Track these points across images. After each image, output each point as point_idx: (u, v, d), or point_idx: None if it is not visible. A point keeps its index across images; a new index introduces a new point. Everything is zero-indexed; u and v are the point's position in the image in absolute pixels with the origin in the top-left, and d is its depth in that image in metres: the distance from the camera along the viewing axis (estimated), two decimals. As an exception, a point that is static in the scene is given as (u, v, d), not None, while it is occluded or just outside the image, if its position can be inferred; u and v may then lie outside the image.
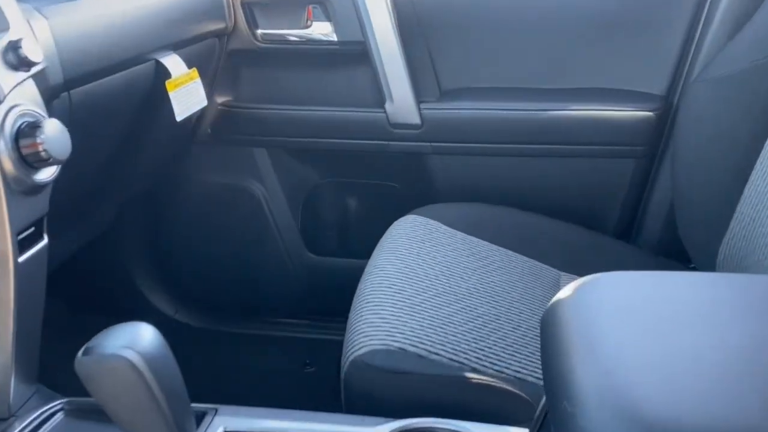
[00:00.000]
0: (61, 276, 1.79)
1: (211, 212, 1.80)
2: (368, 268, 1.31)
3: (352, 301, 1.24)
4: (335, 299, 1.84)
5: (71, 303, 1.87)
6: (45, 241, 0.95)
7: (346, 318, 1.19)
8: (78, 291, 1.89)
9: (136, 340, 0.65)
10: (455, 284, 1.21)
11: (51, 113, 0.99)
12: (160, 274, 1.88)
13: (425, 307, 1.12)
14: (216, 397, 0.99)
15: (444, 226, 1.42)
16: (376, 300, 1.16)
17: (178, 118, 1.30)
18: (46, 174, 0.89)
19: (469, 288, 1.20)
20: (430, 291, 1.18)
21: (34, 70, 0.85)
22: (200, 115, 1.64)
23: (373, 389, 1.03)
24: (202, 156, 1.74)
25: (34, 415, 0.94)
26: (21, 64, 0.82)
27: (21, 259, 0.89)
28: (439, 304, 1.14)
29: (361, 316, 1.13)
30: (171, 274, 1.89)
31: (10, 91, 0.82)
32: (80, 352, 0.62)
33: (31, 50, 0.83)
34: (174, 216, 1.82)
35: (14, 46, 0.82)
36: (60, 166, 0.90)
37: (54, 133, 0.85)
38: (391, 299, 1.15)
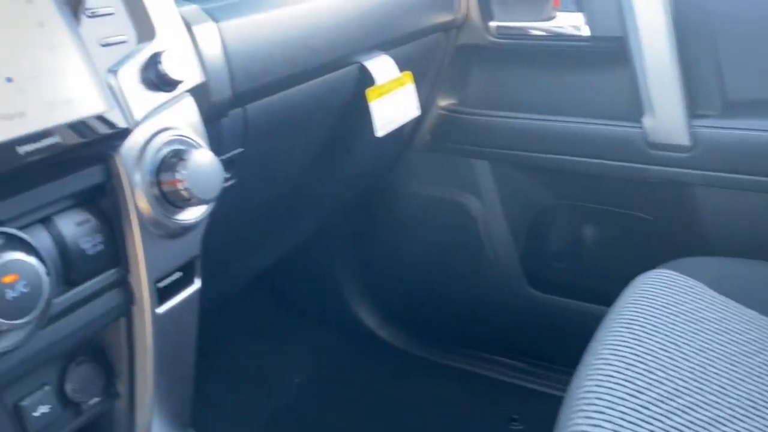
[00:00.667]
0: (271, 274, 1.75)
1: (421, 226, 1.60)
2: (603, 333, 1.00)
3: (580, 363, 0.94)
4: (556, 346, 1.55)
5: (279, 302, 1.83)
6: (196, 286, 0.80)
7: (568, 371, 0.92)
8: (287, 292, 1.83)
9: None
10: (721, 391, 0.85)
11: (219, 133, 0.84)
12: (365, 285, 1.74)
13: (672, 424, 0.79)
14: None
15: (712, 292, 1.04)
16: (607, 386, 0.85)
17: (378, 133, 1.09)
18: (192, 215, 0.73)
19: (742, 399, 0.83)
20: (683, 397, 0.84)
21: (179, 90, 0.69)
22: (419, 118, 1.43)
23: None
24: (417, 164, 1.54)
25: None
26: (162, 83, 0.66)
27: (160, 310, 0.75)
28: (694, 423, 0.80)
29: (587, 393, 0.84)
30: (376, 287, 1.74)
31: (145, 118, 0.66)
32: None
33: (175, 66, 0.66)
34: (382, 227, 1.65)
35: (155, 61, 0.66)
36: (211, 205, 0.74)
37: (199, 168, 0.69)
38: (627, 394, 0.83)
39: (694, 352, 0.90)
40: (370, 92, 1.08)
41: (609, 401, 0.82)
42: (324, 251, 1.70)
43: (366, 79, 1.09)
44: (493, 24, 1.36)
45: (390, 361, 1.71)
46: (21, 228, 0.61)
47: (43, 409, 0.70)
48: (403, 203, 1.59)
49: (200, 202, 0.71)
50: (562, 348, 1.55)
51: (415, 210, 1.59)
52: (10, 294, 0.56)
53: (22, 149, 0.56)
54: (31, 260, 0.57)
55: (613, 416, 0.80)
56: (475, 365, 1.65)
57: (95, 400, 0.75)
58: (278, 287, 1.83)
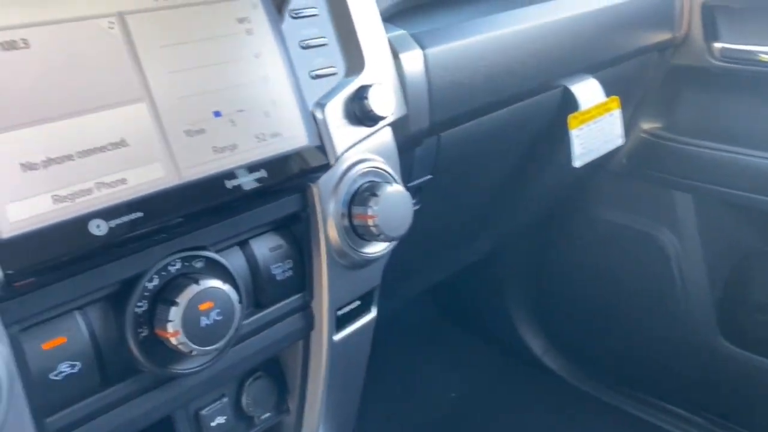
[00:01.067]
0: (439, 286, 1.73)
1: (603, 255, 1.49)
2: None
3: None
4: (744, 407, 1.38)
5: (443, 314, 1.80)
6: (372, 315, 0.79)
7: None
8: (452, 305, 1.80)
9: None
10: None
11: (411, 162, 0.82)
12: (535, 308, 1.67)
13: None
14: None
15: None
16: None
17: (576, 163, 1.02)
18: (378, 248, 0.72)
19: None
20: None
21: (381, 125, 0.67)
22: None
23: None
24: (609, 188, 1.43)
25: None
26: (366, 118, 0.65)
27: (337, 337, 0.75)
28: None
29: None
30: (547, 311, 1.65)
31: (345, 152, 0.65)
32: None
33: (381, 102, 0.64)
34: (560, 250, 1.56)
35: (360, 96, 0.64)
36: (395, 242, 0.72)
37: (391, 206, 0.67)
38: None
39: None
40: (572, 119, 1.00)
41: None
42: (494, 267, 1.64)
43: (569, 102, 1.01)
44: (717, 45, 1.22)
45: (551, 390, 1.63)
46: (219, 251, 0.62)
47: (220, 419, 0.72)
48: (587, 227, 1.49)
49: (388, 239, 0.69)
50: (752, 411, 1.38)
51: (599, 236, 1.48)
52: (204, 321, 0.57)
53: (230, 183, 0.57)
54: (226, 288, 0.59)
55: None
56: (646, 411, 1.52)
57: (267, 414, 0.77)
58: (443, 300, 1.81)
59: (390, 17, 0.79)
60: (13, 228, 0.46)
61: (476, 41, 0.82)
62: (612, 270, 1.49)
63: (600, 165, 1.38)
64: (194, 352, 0.57)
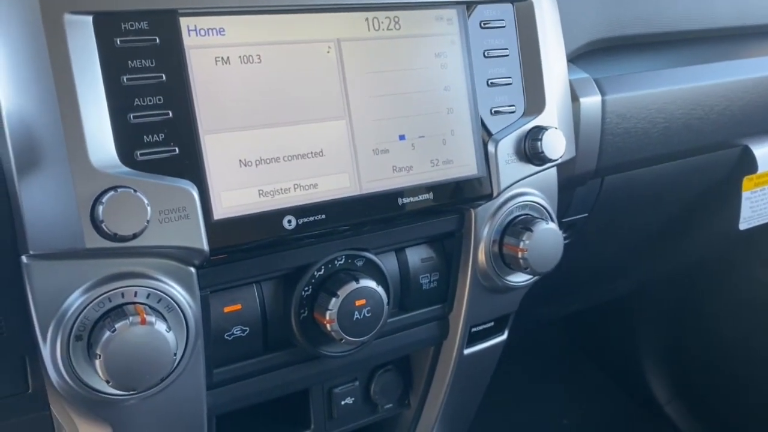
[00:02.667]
0: (574, 315, 1.72)
1: (753, 319, 1.41)
2: None
3: None
4: None
5: (575, 342, 1.78)
6: (503, 337, 0.83)
7: None
8: (585, 335, 1.77)
9: None
10: None
11: (570, 200, 0.84)
12: (665, 356, 1.61)
13: None
14: None
15: None
16: None
17: (742, 226, 0.98)
18: (521, 278, 0.75)
19: None
20: None
21: (547, 166, 0.71)
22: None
23: None
24: (759, 246, 1.35)
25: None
26: (534, 158, 0.68)
27: (467, 351, 0.80)
28: None
29: None
30: (680, 362, 1.59)
31: (508, 187, 0.69)
32: None
33: (553, 145, 0.68)
34: (705, 303, 1.49)
35: (534, 137, 0.68)
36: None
37: (542, 243, 0.70)
38: None
39: None
40: (747, 181, 0.97)
41: None
42: (631, 304, 1.60)
43: (746, 163, 0.98)
44: None
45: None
46: (377, 254, 0.69)
47: (349, 400, 0.80)
48: (740, 286, 1.42)
49: (534, 272, 0.72)
50: None
51: (751, 297, 1.41)
52: (356, 315, 0.64)
53: (402, 200, 0.63)
54: (380, 290, 0.65)
55: None
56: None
57: (390, 405, 0.83)
58: (575, 328, 1.78)
59: (575, 58, 0.81)
60: (224, 212, 0.56)
61: (657, 93, 0.82)
62: (756, 332, 1.41)
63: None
64: (343, 341, 0.65)
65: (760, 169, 0.98)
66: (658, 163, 0.88)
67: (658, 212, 1.02)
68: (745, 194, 0.97)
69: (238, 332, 0.64)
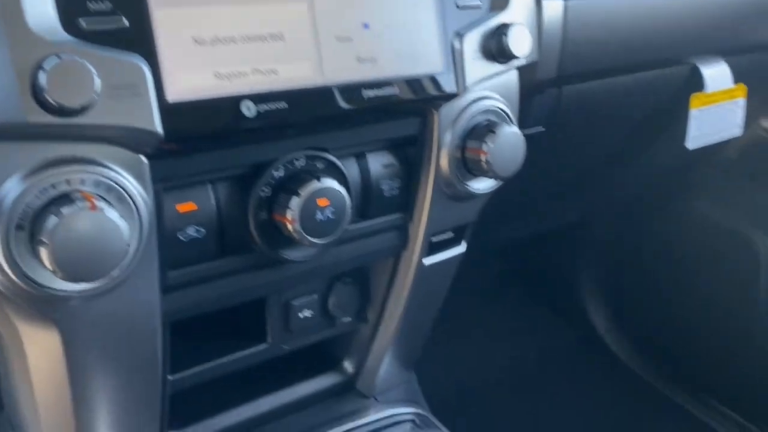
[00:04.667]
0: (514, 251, 1.75)
1: (689, 249, 1.46)
2: None
3: None
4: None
5: (515, 277, 1.81)
6: (461, 249, 0.83)
7: None
8: (525, 270, 1.81)
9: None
10: None
11: (528, 109, 0.83)
12: (605, 288, 1.66)
13: None
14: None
15: None
16: None
17: (690, 145, 1.00)
18: (483, 185, 0.74)
19: None
20: None
21: (513, 64, 0.69)
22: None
23: None
24: (711, 182, 1.39)
25: (385, 415, 0.87)
26: (500, 54, 0.67)
27: (426, 261, 0.79)
28: None
29: None
30: (617, 293, 1.64)
31: (475, 84, 0.67)
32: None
33: (518, 41, 0.66)
34: (645, 236, 1.54)
35: (500, 32, 0.66)
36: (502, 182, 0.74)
37: (505, 146, 0.69)
38: None
39: None
40: (695, 98, 0.98)
41: None
42: (572, 240, 1.63)
43: (695, 82, 0.99)
44: None
45: (606, 369, 1.63)
46: (338, 158, 0.66)
47: (307, 312, 0.78)
48: (678, 218, 1.46)
49: (496, 176, 0.71)
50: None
51: (689, 229, 1.45)
52: (319, 216, 0.62)
53: (366, 93, 0.60)
54: (342, 191, 0.63)
55: None
56: (703, 412, 1.50)
57: (348, 319, 0.82)
58: (515, 264, 1.81)
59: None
60: (178, 93, 0.52)
61: (619, 2, 0.82)
62: (694, 265, 1.46)
63: (708, 157, 1.35)
64: (305, 242, 0.62)
65: (708, 89, 0.99)
66: (616, 75, 0.88)
67: (613, 131, 1.03)
68: (692, 112, 0.98)
69: (193, 233, 0.60)
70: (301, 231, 0.61)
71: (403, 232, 0.76)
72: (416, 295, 0.82)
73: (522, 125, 0.81)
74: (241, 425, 0.82)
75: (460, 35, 0.66)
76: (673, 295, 1.51)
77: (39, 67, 0.44)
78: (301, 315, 0.78)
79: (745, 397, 1.45)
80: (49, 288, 0.50)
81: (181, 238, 0.60)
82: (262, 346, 0.77)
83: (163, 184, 0.57)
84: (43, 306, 0.53)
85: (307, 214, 0.61)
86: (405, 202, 0.74)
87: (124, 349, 0.61)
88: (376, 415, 0.88)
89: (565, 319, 1.73)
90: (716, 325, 1.45)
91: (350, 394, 0.92)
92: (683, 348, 1.53)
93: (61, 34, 0.46)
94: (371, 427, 0.85)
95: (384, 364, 0.90)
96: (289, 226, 0.61)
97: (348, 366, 0.90)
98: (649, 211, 1.51)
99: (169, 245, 0.59)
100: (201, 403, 0.81)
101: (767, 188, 1.32)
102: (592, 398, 1.56)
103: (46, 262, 0.47)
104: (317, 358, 0.91)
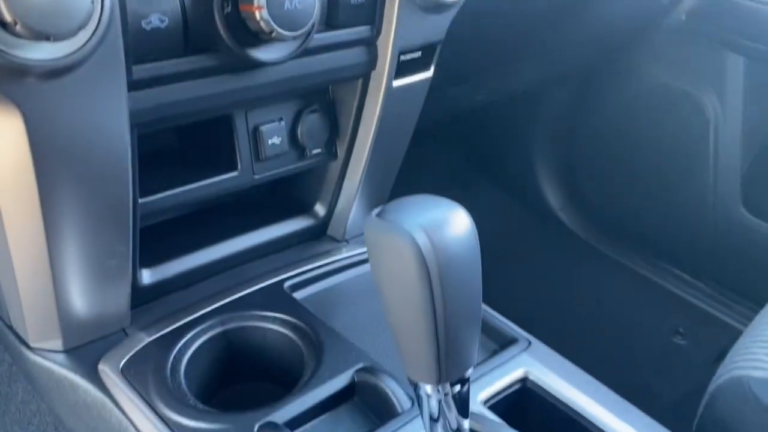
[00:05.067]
0: (470, 133, 1.76)
1: (641, 113, 1.49)
2: None
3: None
4: (748, 276, 1.43)
5: (472, 160, 1.83)
6: (429, 74, 0.82)
7: (753, 307, 0.86)
8: (481, 152, 1.82)
9: (443, 225, 0.46)
10: None
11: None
12: (560, 164, 1.68)
13: None
14: (540, 328, 0.79)
15: None
16: None
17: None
18: (452, -7, 0.73)
19: None
20: None
21: None
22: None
23: (740, 426, 0.70)
24: (660, 45, 1.41)
25: (356, 252, 0.88)
26: None
27: (396, 83, 0.78)
28: None
29: None
30: (571, 167, 1.67)
31: None
32: (377, 211, 0.47)
33: None
34: (597, 106, 1.56)
35: None
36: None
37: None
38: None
39: None
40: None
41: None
42: (525, 117, 1.64)
43: None
44: None
45: (563, 245, 1.68)
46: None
47: (276, 139, 0.76)
48: (629, 83, 1.48)
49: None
50: (754, 280, 1.43)
51: (640, 93, 1.47)
52: (287, 5, 0.60)
53: None
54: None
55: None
56: (654, 273, 1.57)
57: (318, 150, 0.81)
58: (471, 147, 1.82)
59: None
60: None
61: None
62: (646, 129, 1.49)
63: (657, 20, 1.37)
64: (274, 34, 0.60)
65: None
66: None
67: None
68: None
69: (157, 22, 0.57)
70: (269, 20, 0.59)
71: (371, 48, 0.74)
72: (385, 123, 0.81)
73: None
74: (215, 264, 0.80)
75: None
76: (625, 161, 1.55)
77: None
78: (270, 142, 0.76)
79: (691, 253, 1.51)
80: (8, 54, 0.47)
81: (144, 26, 0.57)
82: (233, 173, 0.75)
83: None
84: (5, 84, 0.50)
85: (274, 2, 0.59)
86: (372, 12, 0.72)
87: (92, 151, 0.58)
88: (348, 252, 0.88)
89: (521, 200, 1.76)
90: (665, 186, 1.50)
91: (323, 238, 0.92)
92: (634, 212, 1.58)
93: None
94: (343, 263, 0.85)
95: (354, 207, 0.89)
96: (257, 14, 0.59)
97: (319, 209, 0.90)
98: (600, 77, 1.52)
99: (132, 33, 0.56)
100: (175, 244, 0.79)
101: (715, 48, 1.34)
102: (546, 265, 1.61)
103: (2, 8, 0.44)
104: (289, 203, 0.90)
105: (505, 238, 1.70)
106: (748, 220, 1.41)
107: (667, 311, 1.51)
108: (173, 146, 0.78)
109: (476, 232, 0.49)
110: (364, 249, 0.89)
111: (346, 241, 0.91)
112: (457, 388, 0.50)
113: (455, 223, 0.47)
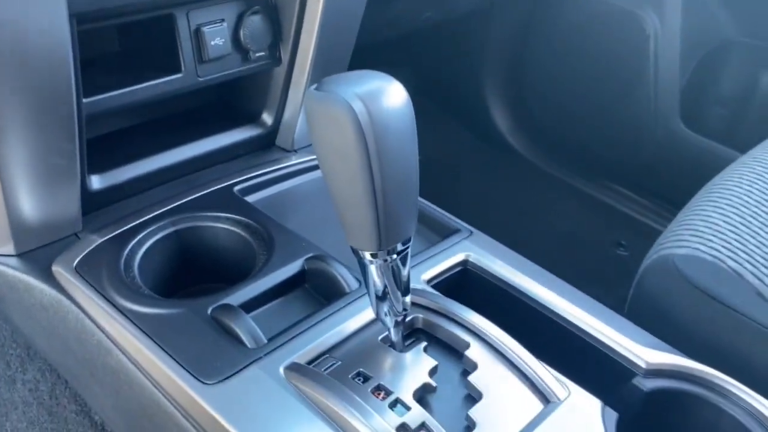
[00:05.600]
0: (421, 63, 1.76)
1: (585, 36, 1.52)
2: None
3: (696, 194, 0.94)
4: (688, 188, 1.49)
5: (423, 88, 1.84)
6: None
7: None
8: (432, 80, 1.83)
9: (379, 95, 0.49)
10: None
11: None
12: (508, 90, 1.71)
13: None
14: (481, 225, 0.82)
15: None
16: (720, 201, 0.84)
17: None
18: None
19: None
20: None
21: None
22: None
23: (667, 298, 0.76)
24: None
25: (305, 159, 0.89)
26: None
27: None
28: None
29: (697, 210, 0.84)
30: (519, 93, 1.70)
31: None
32: (316, 84, 0.49)
33: None
34: (543, 31, 1.58)
35: None
36: None
37: None
38: (740, 206, 0.82)
39: None
40: None
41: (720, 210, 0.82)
42: (474, 45, 1.66)
43: None
44: None
45: (512, 167, 1.72)
46: None
47: (219, 41, 0.77)
48: (573, 6, 1.51)
49: None
50: (692, 192, 1.50)
51: (584, 16, 1.50)
52: None
53: None
54: None
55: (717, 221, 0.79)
56: (598, 190, 1.63)
57: (261, 53, 0.82)
58: (423, 75, 1.83)
59: None
60: None
61: None
62: (590, 49, 1.53)
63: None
64: None
65: None
66: None
67: None
68: None
69: None
70: None
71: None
72: (326, 28, 0.82)
73: None
74: (164, 170, 0.81)
75: None
76: (569, 84, 1.58)
77: None
78: (212, 43, 0.76)
79: (634, 170, 1.57)
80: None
81: None
82: (177, 75, 0.75)
83: None
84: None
85: None
86: None
87: (31, 41, 0.58)
88: (297, 159, 0.89)
89: (471, 127, 1.79)
90: (610, 105, 1.54)
91: (272, 148, 0.93)
92: (579, 133, 1.62)
93: None
94: (291, 170, 0.87)
95: (301, 116, 0.91)
96: None
97: (267, 118, 0.91)
98: (544, 7, 1.54)
99: None
100: (124, 152, 0.80)
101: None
102: (495, 186, 1.65)
103: None
104: (238, 113, 0.91)
105: (454, 160, 1.74)
106: (686, 133, 1.46)
107: (609, 226, 1.57)
108: (117, 50, 0.78)
109: (411, 103, 0.51)
110: (314, 156, 0.90)
111: (295, 151, 0.93)
112: (396, 257, 0.53)
113: (391, 93, 0.50)
